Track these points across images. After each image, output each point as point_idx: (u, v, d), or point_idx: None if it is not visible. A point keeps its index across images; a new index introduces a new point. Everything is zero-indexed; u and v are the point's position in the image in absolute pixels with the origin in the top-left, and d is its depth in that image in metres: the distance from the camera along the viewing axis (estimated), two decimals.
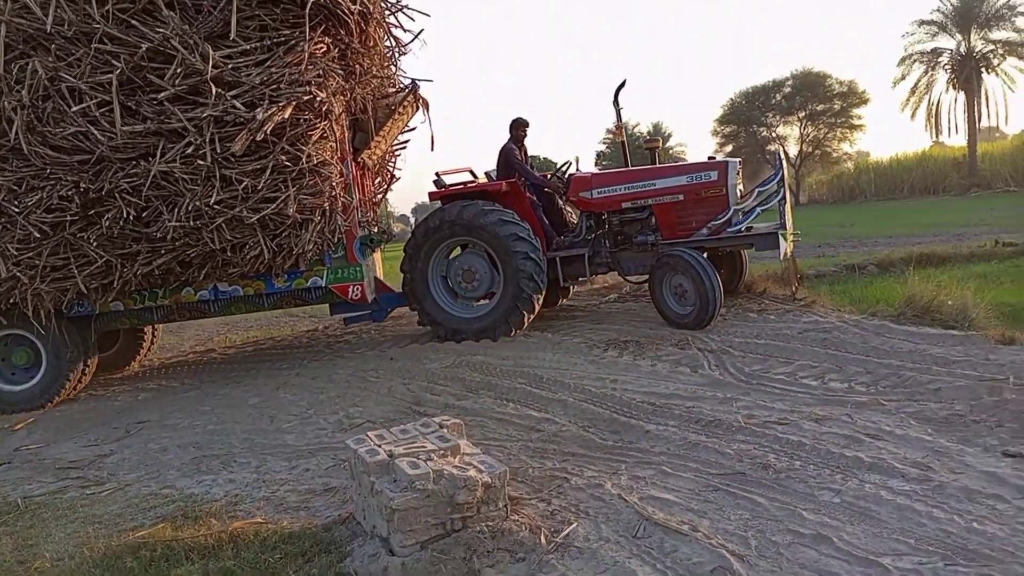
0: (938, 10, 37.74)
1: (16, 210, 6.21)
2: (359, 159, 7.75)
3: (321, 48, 6.53)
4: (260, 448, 5.30)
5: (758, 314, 7.10)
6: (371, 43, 7.28)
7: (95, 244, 6.30)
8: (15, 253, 6.32)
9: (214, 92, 5.96)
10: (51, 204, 6.16)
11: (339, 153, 6.81)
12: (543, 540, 3.28)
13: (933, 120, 38.91)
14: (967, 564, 2.67)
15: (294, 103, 6.12)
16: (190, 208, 6.11)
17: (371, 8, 7.02)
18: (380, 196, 9.15)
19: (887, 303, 7.04)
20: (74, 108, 6.03)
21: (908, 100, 39.12)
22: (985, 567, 2.64)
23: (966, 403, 4.18)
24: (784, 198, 6.76)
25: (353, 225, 7.08)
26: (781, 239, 6.64)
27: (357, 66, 7.21)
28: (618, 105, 7.85)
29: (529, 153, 8.25)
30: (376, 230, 7.62)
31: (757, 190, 7.00)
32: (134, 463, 5.31)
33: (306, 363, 7.55)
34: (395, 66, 8.44)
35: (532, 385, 5.78)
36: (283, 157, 6.21)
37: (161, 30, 6.01)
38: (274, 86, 6.12)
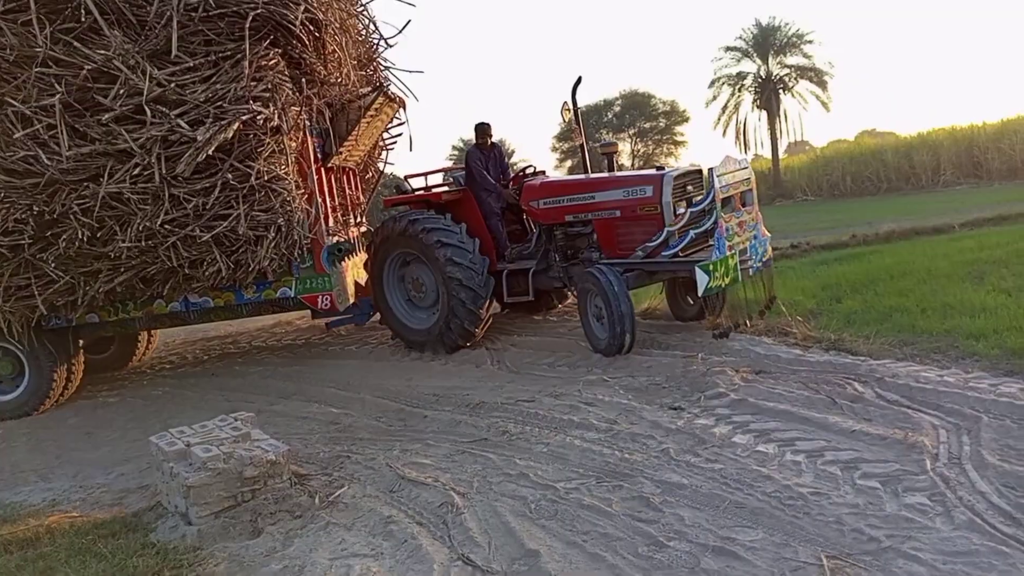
0: (740, 37, 41.87)
1: None
2: (329, 165, 7.70)
3: (271, 61, 6.44)
4: (77, 461, 5.74)
5: (543, 318, 8.22)
6: (328, 49, 7.07)
7: (54, 265, 6.35)
8: None
9: (156, 112, 5.94)
10: (7, 227, 6.19)
11: (295, 165, 6.75)
12: (317, 501, 4.11)
13: (742, 137, 43.13)
14: (609, 479, 3.78)
15: (238, 122, 6.08)
16: (141, 228, 6.14)
17: (323, 14, 6.84)
18: (370, 195, 9.30)
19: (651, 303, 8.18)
20: (18, 133, 6.00)
21: (719, 119, 43.18)
22: (621, 481, 3.75)
23: (663, 375, 5.42)
24: (717, 221, 5.83)
25: (320, 235, 7.02)
26: (699, 273, 5.71)
27: (315, 74, 7.05)
28: (576, 104, 7.55)
29: (505, 155, 8.01)
30: (343, 239, 7.54)
31: (689, 211, 6.15)
32: None
33: (126, 383, 7.92)
34: (374, 63, 8.50)
35: (337, 387, 6.58)
36: (231, 175, 6.20)
37: (102, 52, 5.95)
38: (219, 103, 6.07)
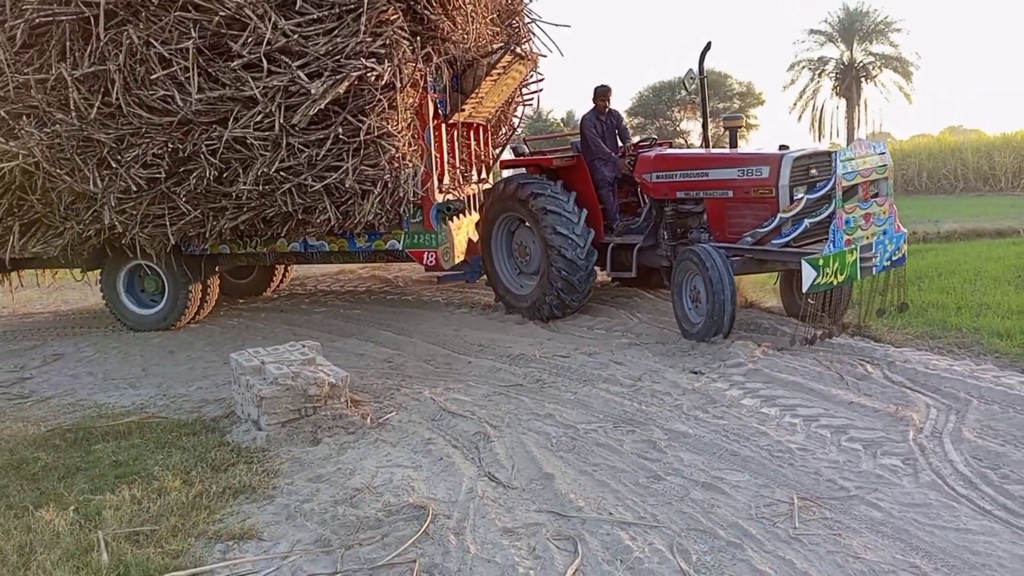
0: (826, 20, 40.73)
1: (118, 164, 6.71)
2: (452, 121, 7.75)
3: (391, 16, 6.45)
4: (161, 374, 6.49)
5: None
6: (453, 5, 7.03)
7: (184, 199, 6.76)
8: (116, 203, 6.88)
9: (279, 62, 6.16)
10: (146, 160, 6.64)
11: (409, 122, 6.80)
12: (368, 421, 4.70)
13: (817, 124, 42.22)
14: (625, 425, 4.26)
15: (352, 77, 6.17)
16: (260, 173, 6.45)
17: None
18: (499, 152, 9.43)
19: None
20: (156, 74, 6.34)
21: (795, 103, 42.29)
22: (634, 427, 4.23)
23: (691, 343, 5.83)
24: (835, 211, 5.36)
25: (431, 192, 7.10)
26: (806, 267, 5.19)
27: (438, 30, 7.00)
28: (703, 72, 7.20)
29: (624, 122, 7.74)
30: (456, 198, 7.55)
31: (806, 197, 5.66)
32: (53, 384, 6.41)
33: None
34: (518, 17, 8.54)
35: (392, 332, 7.18)
36: (341, 129, 6.33)
37: (235, 0, 6.19)
38: (336, 57, 6.19)
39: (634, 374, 5.22)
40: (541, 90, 9.58)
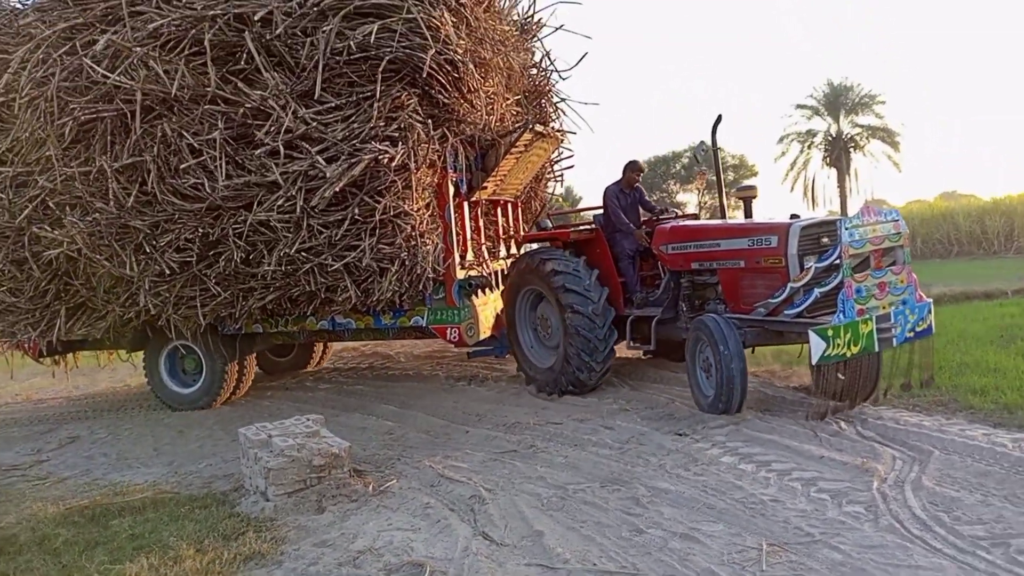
0: (811, 96, 42.22)
1: (153, 249, 7.06)
2: (474, 199, 7.99)
3: (406, 101, 6.72)
4: (172, 453, 6.77)
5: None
6: (469, 88, 7.14)
7: (215, 281, 7.07)
8: (151, 286, 7.21)
9: (300, 148, 6.48)
10: (179, 245, 6.99)
11: (427, 201, 7.02)
12: (371, 490, 4.97)
13: (810, 194, 43.21)
14: (610, 484, 4.55)
15: (366, 160, 6.42)
16: (283, 254, 6.74)
17: (459, 54, 6.87)
18: (530, 227, 9.50)
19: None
20: (186, 163, 6.70)
21: (787, 174, 43.40)
22: (620, 484, 4.51)
23: (676, 408, 6.12)
24: (843, 281, 5.29)
25: (452, 269, 7.29)
26: (814, 337, 5.14)
27: (454, 112, 7.13)
28: (715, 144, 7.20)
29: (647, 196, 7.85)
30: (480, 273, 7.76)
31: (814, 266, 5.58)
32: (69, 465, 6.68)
33: None
34: (546, 96, 8.89)
35: (394, 405, 7.48)
36: (358, 209, 6.58)
37: (259, 92, 6.52)
38: (352, 142, 6.48)
39: (622, 437, 5.51)
40: (572, 166, 9.99)
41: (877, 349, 5.42)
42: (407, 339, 8.45)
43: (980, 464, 4.25)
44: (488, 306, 7.80)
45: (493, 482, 4.87)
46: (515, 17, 8.85)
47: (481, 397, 7.56)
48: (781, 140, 43.40)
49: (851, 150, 41.80)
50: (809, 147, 43.00)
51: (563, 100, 9.46)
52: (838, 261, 5.39)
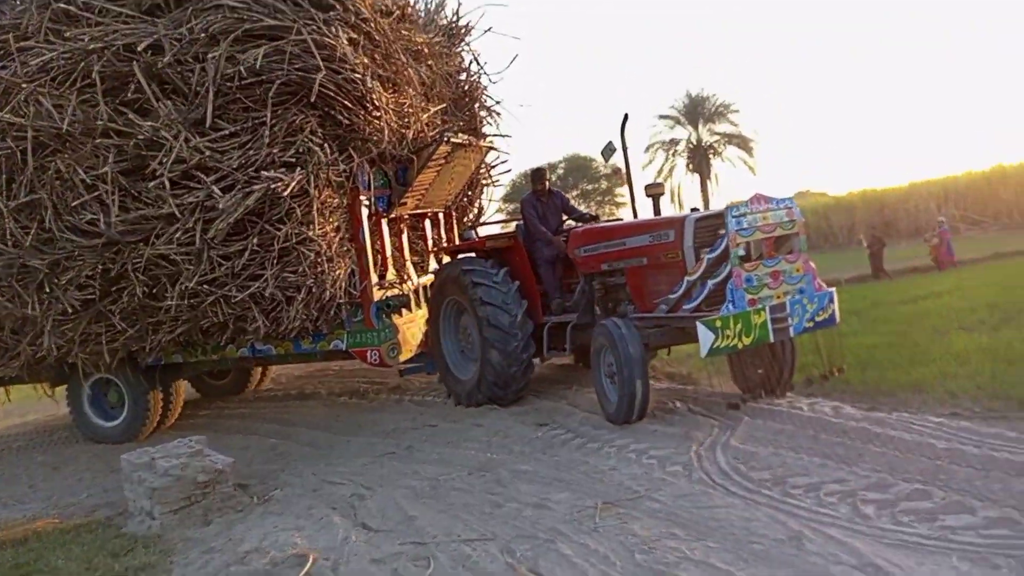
0: (672, 106, 44.80)
1: (54, 288, 6.87)
2: (394, 215, 7.76)
3: (302, 124, 6.52)
4: (49, 488, 6.76)
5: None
6: (375, 106, 6.86)
7: (119, 317, 6.90)
8: (54, 325, 7.00)
9: (196, 178, 6.33)
10: (80, 282, 6.79)
11: (336, 224, 6.86)
12: (255, 500, 5.29)
13: (678, 199, 45.79)
14: (477, 471, 5.10)
15: (261, 189, 6.27)
16: (185, 287, 6.58)
17: (359, 72, 6.64)
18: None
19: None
20: (80, 199, 6.50)
21: (655, 180, 45.69)
22: (485, 471, 5.07)
23: (540, 403, 6.77)
24: (731, 272, 5.20)
25: (368, 291, 7.17)
26: (702, 329, 5.05)
27: (359, 131, 6.89)
28: (624, 144, 7.05)
29: (568, 201, 7.61)
30: (398, 293, 7.54)
31: (705, 258, 5.39)
32: None
33: None
34: (476, 102, 8.75)
35: (277, 424, 7.76)
36: (256, 239, 6.44)
37: (151, 123, 6.35)
38: (248, 170, 6.31)
39: (490, 430, 6.08)
40: (509, 170, 9.83)
41: (772, 339, 5.32)
42: (334, 361, 8.43)
43: (777, 424, 5.09)
44: (415, 323, 7.77)
45: (372, 481, 5.31)
46: (442, 22, 8.89)
47: (363, 408, 7.96)
48: (648, 149, 45.78)
49: (711, 156, 44.81)
50: (673, 155, 45.77)
51: (497, 103, 9.32)
52: (724, 252, 5.27)
